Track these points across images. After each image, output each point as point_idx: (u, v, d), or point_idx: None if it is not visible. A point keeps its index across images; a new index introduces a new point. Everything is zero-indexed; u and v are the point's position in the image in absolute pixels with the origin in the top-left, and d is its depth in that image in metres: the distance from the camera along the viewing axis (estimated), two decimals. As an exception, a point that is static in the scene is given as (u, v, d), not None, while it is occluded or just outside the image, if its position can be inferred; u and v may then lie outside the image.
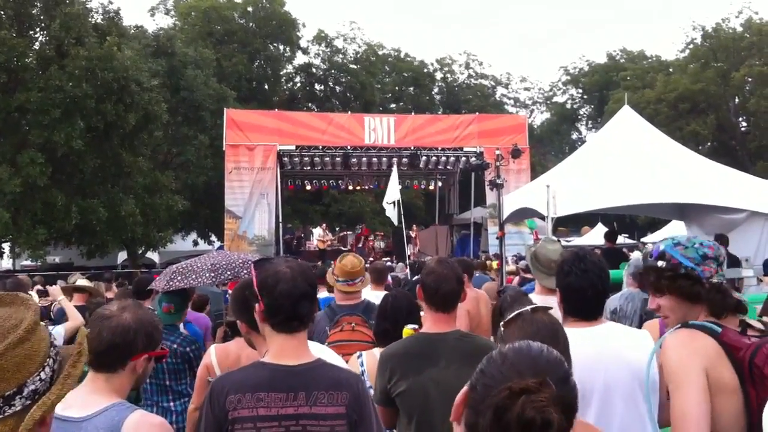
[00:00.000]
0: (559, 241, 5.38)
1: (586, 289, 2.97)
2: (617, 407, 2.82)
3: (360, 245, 27.62)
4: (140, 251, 27.20)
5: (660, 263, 2.50)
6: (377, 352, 3.74)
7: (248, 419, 2.40)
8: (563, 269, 3.06)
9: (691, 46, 44.80)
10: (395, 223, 17.12)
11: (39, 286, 10.96)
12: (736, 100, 41.37)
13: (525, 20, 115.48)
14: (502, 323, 2.52)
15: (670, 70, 46.98)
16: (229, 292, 8.14)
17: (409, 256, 18.82)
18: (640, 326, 5.27)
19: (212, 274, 5.99)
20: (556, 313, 3.27)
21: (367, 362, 3.73)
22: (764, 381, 2.17)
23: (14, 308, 1.56)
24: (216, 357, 4.20)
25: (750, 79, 38.82)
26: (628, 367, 2.80)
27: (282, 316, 2.51)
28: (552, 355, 1.44)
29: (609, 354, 2.85)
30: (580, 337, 2.90)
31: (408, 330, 3.61)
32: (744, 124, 42.87)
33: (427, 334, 3.25)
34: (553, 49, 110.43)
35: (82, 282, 8.06)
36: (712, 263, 2.43)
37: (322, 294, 6.89)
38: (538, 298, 4.32)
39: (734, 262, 9.91)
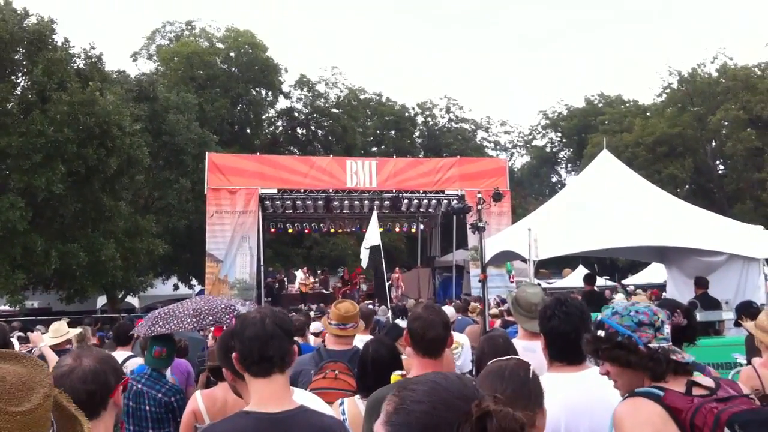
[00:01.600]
0: (539, 284, 5.42)
1: (569, 333, 3.00)
2: (603, 451, 2.83)
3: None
4: (120, 296, 26.96)
5: (599, 332, 2.59)
6: (358, 400, 3.73)
7: None
8: (546, 314, 3.10)
9: (667, 90, 45.62)
10: (364, 266, 17.23)
11: (19, 332, 10.84)
12: (713, 143, 42.01)
13: (525, 20, 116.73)
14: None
15: (648, 114, 47.74)
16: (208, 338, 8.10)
17: (392, 299, 18.78)
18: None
19: (194, 320, 5.95)
20: (540, 357, 3.30)
21: (348, 410, 3.72)
22: None
23: (22, 363, 1.66)
24: (203, 403, 4.17)
25: (726, 123, 39.48)
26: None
27: (251, 359, 2.53)
28: (461, 378, 1.46)
29: (594, 399, 2.87)
30: (567, 382, 2.93)
31: (396, 376, 3.60)
32: (721, 167, 43.49)
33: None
34: (554, 49, 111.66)
35: (61, 329, 8.00)
36: (648, 329, 2.50)
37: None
38: (521, 343, 4.34)
39: (714, 304, 9.98)
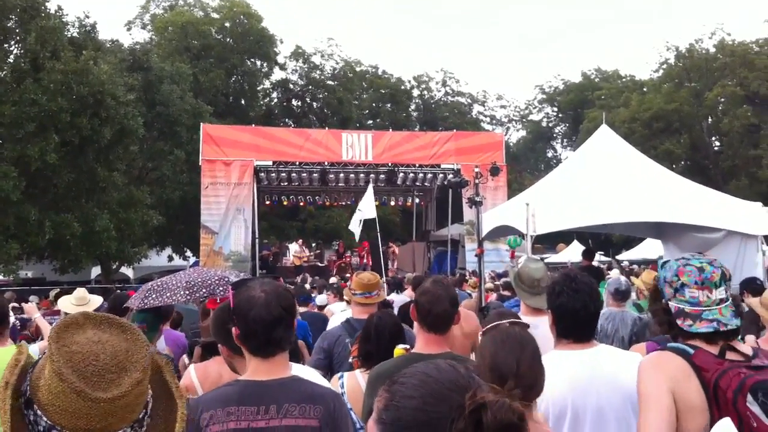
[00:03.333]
0: (542, 259, 5.37)
1: (578, 310, 2.95)
2: (610, 430, 2.80)
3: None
4: (114, 266, 26.93)
5: None
6: (358, 373, 3.70)
7: None
8: (555, 290, 3.04)
9: (664, 66, 45.43)
10: (356, 238, 17.19)
11: (14, 303, 10.76)
12: (710, 119, 41.93)
13: (525, 20, 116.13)
14: (480, 333, 2.55)
15: (645, 89, 47.60)
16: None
17: (387, 272, 18.76)
18: (624, 346, 5.26)
19: (187, 292, 5.89)
20: (546, 333, 3.24)
21: (348, 384, 3.68)
22: (727, 404, 2.23)
23: (125, 336, 1.57)
24: (197, 377, 4.11)
25: (723, 100, 39.39)
26: (621, 390, 2.78)
27: (255, 342, 2.50)
28: (456, 366, 1.41)
29: (602, 377, 2.83)
30: (573, 360, 2.88)
31: (399, 350, 3.56)
32: (717, 143, 43.43)
33: (417, 354, 3.20)
34: (553, 49, 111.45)
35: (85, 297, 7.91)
36: (669, 288, 2.54)
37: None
38: (523, 319, 4.29)
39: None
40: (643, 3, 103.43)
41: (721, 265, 2.55)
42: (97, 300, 7.97)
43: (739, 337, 5.27)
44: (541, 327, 3.72)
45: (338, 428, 2.48)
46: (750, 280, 7.86)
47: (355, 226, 16.81)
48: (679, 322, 2.47)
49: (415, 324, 3.27)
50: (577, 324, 2.98)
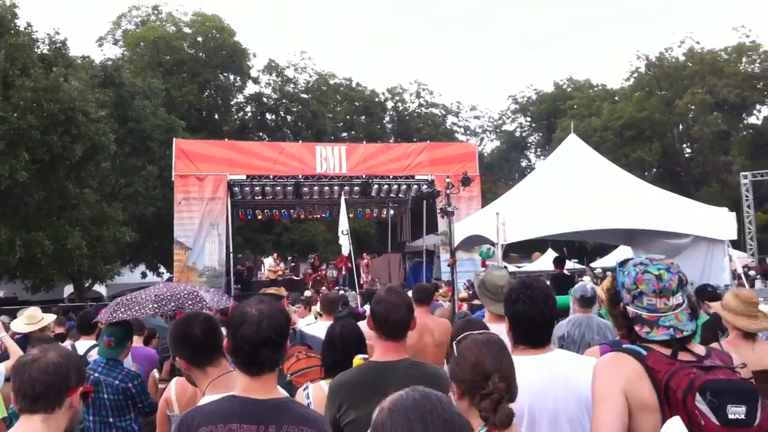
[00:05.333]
0: (505, 267, 5.41)
1: (534, 317, 2.99)
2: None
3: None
4: (87, 284, 26.65)
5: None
6: (324, 384, 3.71)
7: None
8: (511, 297, 3.08)
9: (635, 75, 45.95)
10: (344, 252, 17.28)
11: (-16, 323, 10.60)
12: (680, 127, 42.45)
13: (525, 20, 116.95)
14: (454, 342, 2.57)
15: (616, 98, 48.07)
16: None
17: (362, 285, 18.75)
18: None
19: (155, 305, 5.87)
20: (505, 340, 3.28)
21: (313, 395, 3.68)
22: (677, 403, 2.30)
23: None
24: (175, 392, 4.11)
25: (693, 107, 39.91)
26: (576, 393, 2.81)
27: (242, 358, 2.51)
28: (426, 393, 1.50)
29: (557, 380, 2.86)
30: (530, 365, 2.91)
31: (358, 360, 3.58)
32: (688, 150, 43.97)
33: (377, 362, 3.23)
34: (554, 49, 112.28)
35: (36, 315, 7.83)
36: (627, 293, 2.57)
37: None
38: (488, 326, 4.32)
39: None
40: (643, 3, 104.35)
41: (678, 270, 2.58)
42: (49, 317, 7.93)
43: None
44: (503, 334, 3.76)
45: None
46: (702, 288, 7.94)
47: (344, 242, 17.01)
48: (636, 328, 2.52)
49: (373, 333, 3.30)
50: (533, 330, 3.02)
